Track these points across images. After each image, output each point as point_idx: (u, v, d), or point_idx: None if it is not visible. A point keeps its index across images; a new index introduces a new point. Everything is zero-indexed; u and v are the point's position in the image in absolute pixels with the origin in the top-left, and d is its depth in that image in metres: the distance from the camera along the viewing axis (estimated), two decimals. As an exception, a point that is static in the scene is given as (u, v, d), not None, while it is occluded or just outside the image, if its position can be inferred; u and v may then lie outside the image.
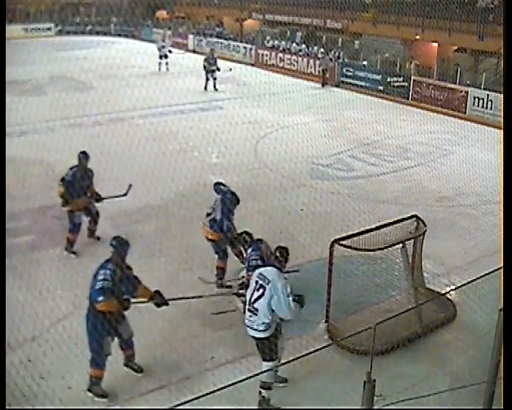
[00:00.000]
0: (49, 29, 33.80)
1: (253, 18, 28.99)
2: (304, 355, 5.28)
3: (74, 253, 7.57)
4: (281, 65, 23.16)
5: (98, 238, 8.01)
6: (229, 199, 6.94)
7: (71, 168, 7.56)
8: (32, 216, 8.67)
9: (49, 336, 5.76)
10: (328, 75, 20.30)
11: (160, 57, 21.91)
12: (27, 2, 33.99)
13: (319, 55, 21.40)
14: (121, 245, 5.22)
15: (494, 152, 10.41)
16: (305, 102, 16.80)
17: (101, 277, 4.88)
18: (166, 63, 21.92)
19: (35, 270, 6.96)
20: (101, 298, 4.77)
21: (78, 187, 7.41)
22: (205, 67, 18.63)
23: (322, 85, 20.23)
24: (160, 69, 21.91)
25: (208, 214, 6.93)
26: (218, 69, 18.67)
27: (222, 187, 7.11)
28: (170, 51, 22.14)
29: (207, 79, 18.70)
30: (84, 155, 7.67)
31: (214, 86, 18.73)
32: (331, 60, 20.86)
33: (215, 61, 18.66)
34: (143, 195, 9.07)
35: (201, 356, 5.55)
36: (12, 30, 28.84)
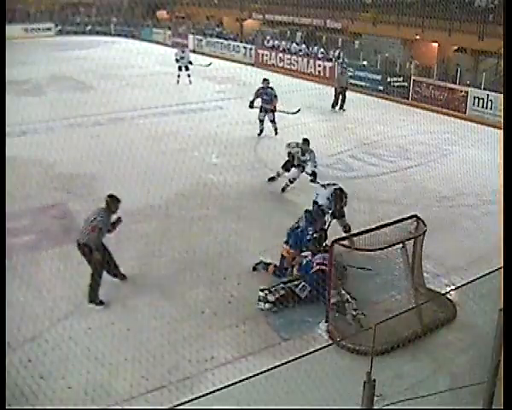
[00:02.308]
0: (49, 29, 33.82)
1: (253, 18, 28.99)
2: (304, 355, 5.29)
3: None
4: (281, 65, 23.15)
5: None
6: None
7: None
8: (32, 216, 8.67)
9: (49, 336, 5.76)
10: (346, 95, 16.20)
11: (180, 68, 19.04)
12: (27, 2, 34.01)
13: (337, 71, 17.66)
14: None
15: (494, 152, 10.40)
16: (305, 102, 16.78)
17: None
18: (188, 75, 18.97)
19: (35, 270, 6.97)
20: None
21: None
22: (258, 107, 13.10)
23: (341, 107, 16.19)
24: (178, 82, 19.03)
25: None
26: (273, 111, 12.97)
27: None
28: (190, 62, 19.19)
29: (261, 121, 13.16)
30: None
31: (275, 131, 13.21)
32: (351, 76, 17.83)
33: (271, 98, 12.92)
34: (143, 195, 9.07)
35: (201, 356, 5.55)
36: (12, 30, 28.86)
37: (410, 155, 12.27)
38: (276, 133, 13.12)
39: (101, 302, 6.34)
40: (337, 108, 16.23)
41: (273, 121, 13.09)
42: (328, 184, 7.87)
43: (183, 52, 19.44)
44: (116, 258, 6.63)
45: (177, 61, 19.25)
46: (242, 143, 11.84)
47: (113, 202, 6.40)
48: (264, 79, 13.19)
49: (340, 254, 6.50)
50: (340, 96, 16.13)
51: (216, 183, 10.10)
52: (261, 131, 13.29)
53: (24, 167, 10.40)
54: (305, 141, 9.57)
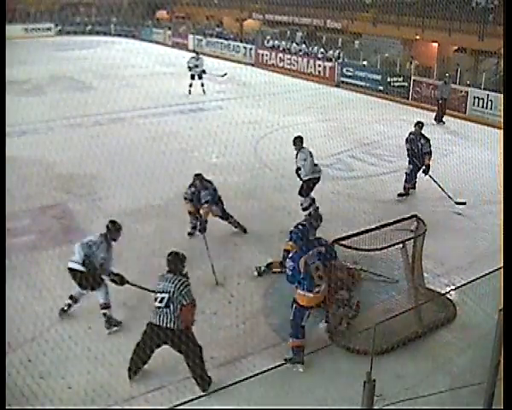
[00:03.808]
0: (49, 29, 33.85)
1: (253, 18, 29.01)
2: (304, 355, 5.30)
3: None
4: (281, 65, 23.16)
5: None
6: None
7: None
8: (32, 216, 8.68)
9: (49, 336, 5.76)
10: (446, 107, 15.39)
11: (192, 77, 17.62)
12: (27, 2, 33.98)
13: (439, 83, 15.85)
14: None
15: (494, 152, 10.41)
16: (305, 102, 16.78)
17: None
18: (202, 84, 17.73)
19: (35, 270, 6.97)
20: None
21: None
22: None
23: (440, 120, 15.29)
24: (190, 92, 17.68)
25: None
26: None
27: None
28: (204, 71, 17.78)
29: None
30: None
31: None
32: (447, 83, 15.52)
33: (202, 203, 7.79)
34: (143, 195, 9.07)
35: (201, 356, 5.55)
36: (12, 30, 28.79)
37: (410, 155, 12.24)
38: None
39: None
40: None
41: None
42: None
43: (197, 60, 17.81)
44: (116, 258, 6.60)
45: (189, 68, 17.74)
46: (242, 143, 11.82)
47: (175, 261, 5.45)
48: (197, 175, 7.98)
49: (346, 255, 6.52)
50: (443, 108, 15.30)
51: (216, 183, 10.08)
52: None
53: (24, 167, 10.39)
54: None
